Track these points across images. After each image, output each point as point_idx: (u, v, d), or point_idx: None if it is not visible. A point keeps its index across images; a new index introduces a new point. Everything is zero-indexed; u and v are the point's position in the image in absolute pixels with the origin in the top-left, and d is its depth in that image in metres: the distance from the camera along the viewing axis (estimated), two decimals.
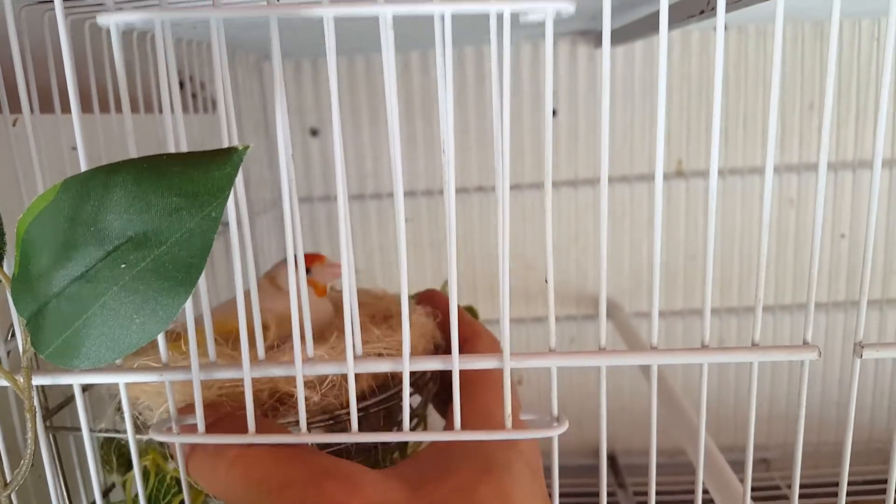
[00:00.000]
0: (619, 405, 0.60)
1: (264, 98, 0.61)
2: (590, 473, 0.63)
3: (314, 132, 0.64)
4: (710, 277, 0.23)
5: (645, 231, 0.63)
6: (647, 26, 0.49)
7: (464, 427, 0.23)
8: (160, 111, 0.49)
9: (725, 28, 0.61)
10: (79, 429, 0.26)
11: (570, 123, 0.63)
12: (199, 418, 0.24)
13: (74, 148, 0.37)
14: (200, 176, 0.18)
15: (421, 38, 0.55)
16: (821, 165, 0.22)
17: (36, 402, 0.23)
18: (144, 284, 0.19)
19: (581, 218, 0.63)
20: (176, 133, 0.21)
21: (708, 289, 0.23)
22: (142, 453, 0.29)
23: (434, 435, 0.24)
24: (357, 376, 0.24)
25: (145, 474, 0.28)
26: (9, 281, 0.21)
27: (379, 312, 0.33)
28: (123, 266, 0.19)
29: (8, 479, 0.25)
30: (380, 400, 0.27)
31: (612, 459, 0.66)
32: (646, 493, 0.24)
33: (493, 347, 0.29)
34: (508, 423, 0.23)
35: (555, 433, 0.23)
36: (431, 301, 0.33)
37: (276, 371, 0.23)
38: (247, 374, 0.23)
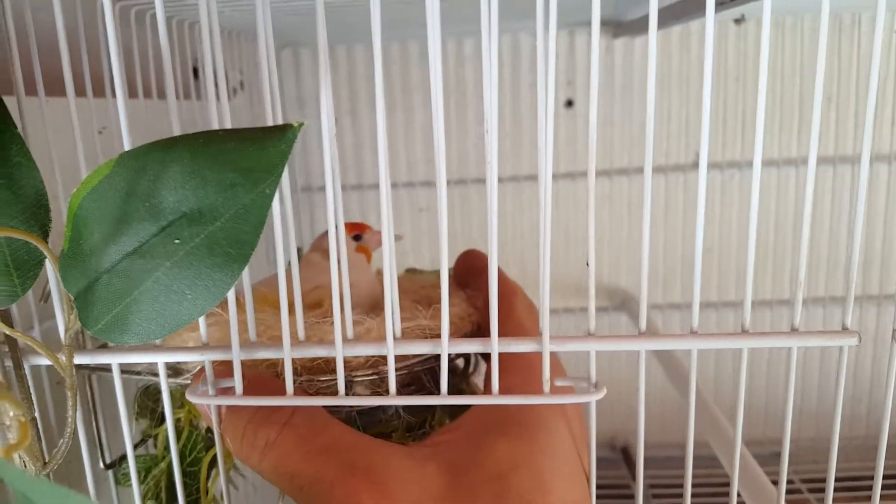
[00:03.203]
0: (632, 397, 0.61)
1: (298, 84, 0.61)
2: (605, 466, 0.63)
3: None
4: (751, 266, 0.23)
5: (661, 223, 0.63)
6: (671, 15, 0.49)
7: (504, 388, 0.23)
8: (198, 98, 0.49)
9: (744, 20, 0.61)
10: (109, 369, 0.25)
11: (587, 114, 0.62)
12: (237, 381, 0.23)
13: (101, 131, 0.38)
14: (255, 152, 0.18)
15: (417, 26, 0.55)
16: (862, 161, 0.22)
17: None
18: (197, 260, 0.19)
19: (596, 209, 0.63)
20: (221, 117, 0.21)
21: (749, 277, 0.23)
22: (179, 405, 0.29)
23: (475, 399, 0.24)
24: (407, 329, 0.24)
25: (177, 430, 0.28)
26: (54, 257, 0.21)
27: (423, 299, 0.33)
28: (177, 242, 0.19)
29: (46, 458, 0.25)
30: (425, 359, 0.27)
31: (625, 452, 0.66)
32: (660, 486, 0.24)
33: (531, 307, 0.29)
34: (546, 387, 0.23)
35: (593, 398, 0.23)
36: (471, 260, 0.32)
37: (318, 351, 0.23)
38: (287, 355, 0.23)
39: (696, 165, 0.63)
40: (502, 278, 0.30)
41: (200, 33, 0.47)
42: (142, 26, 0.40)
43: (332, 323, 0.22)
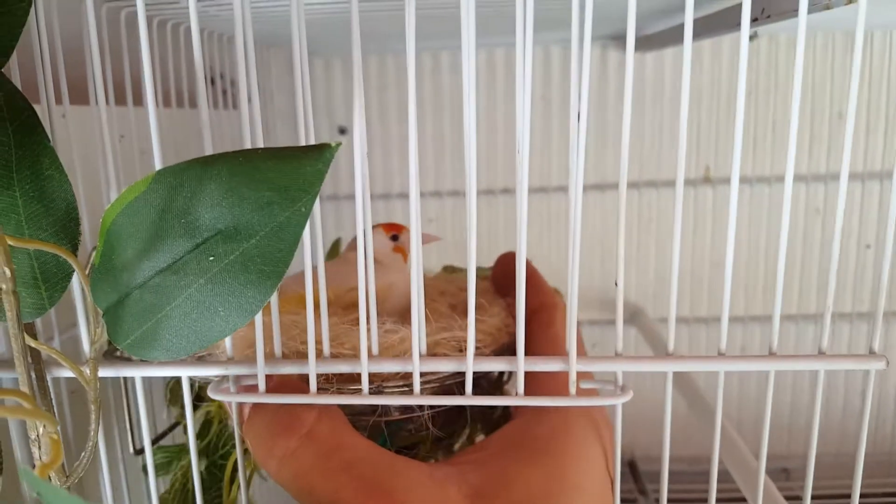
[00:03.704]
0: (639, 410, 0.61)
1: (293, 94, 0.61)
2: None
3: (342, 130, 0.64)
4: (780, 283, 0.23)
5: (687, 237, 0.63)
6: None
7: (529, 391, 0.23)
8: (214, 106, 0.49)
9: (756, 36, 0.61)
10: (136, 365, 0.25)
11: (599, 128, 0.63)
12: (260, 380, 0.23)
13: (121, 139, 0.38)
14: (292, 171, 0.18)
15: (446, 37, 0.55)
16: (894, 178, 0.22)
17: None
18: (231, 277, 0.19)
19: (607, 222, 0.63)
20: (253, 129, 0.21)
21: (778, 296, 0.23)
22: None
23: (501, 400, 0.24)
24: (436, 342, 0.24)
25: (207, 422, 0.28)
26: (83, 270, 0.21)
27: (461, 304, 0.32)
28: (212, 259, 0.19)
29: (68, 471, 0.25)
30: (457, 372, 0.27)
31: (631, 465, 0.66)
32: (668, 501, 0.24)
33: (546, 285, 0.29)
34: (572, 388, 0.23)
35: (619, 401, 0.23)
36: (511, 265, 0.31)
37: (342, 367, 0.23)
38: (312, 370, 0.23)
39: (706, 180, 0.63)
40: (545, 290, 0.30)
41: (223, 43, 0.48)
42: (161, 34, 0.40)
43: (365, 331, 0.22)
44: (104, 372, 0.24)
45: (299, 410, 0.23)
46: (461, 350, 0.25)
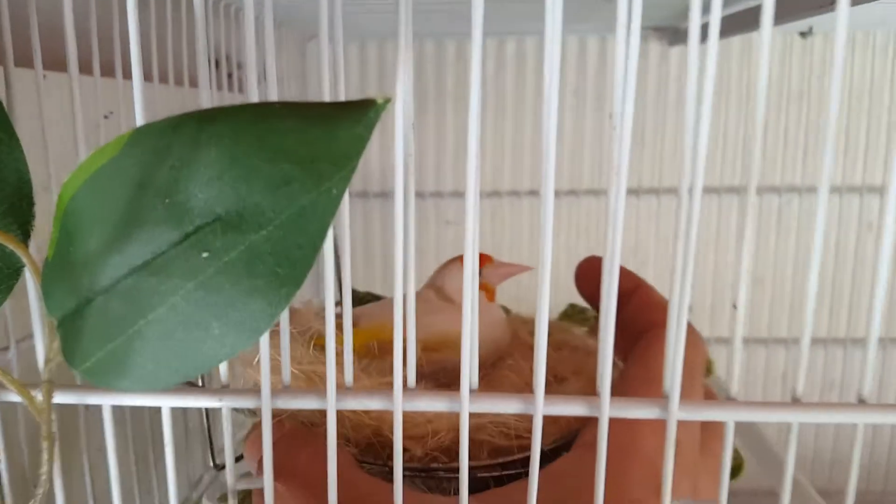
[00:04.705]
0: None
1: (305, 78, 0.56)
2: None
3: None
4: (877, 323, 0.18)
5: (711, 248, 0.58)
6: (734, 25, 0.44)
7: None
8: (218, 87, 0.44)
9: (811, 33, 0.56)
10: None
11: (636, 126, 0.57)
12: (265, 455, 0.18)
13: (108, 116, 0.32)
14: (322, 136, 0.13)
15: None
16: None
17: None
18: (232, 282, 0.13)
19: (642, 229, 0.58)
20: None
21: (873, 337, 0.18)
22: None
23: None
24: (479, 426, 0.19)
25: None
26: (35, 265, 0.16)
27: (553, 344, 0.27)
28: (205, 255, 0.13)
29: None
30: (504, 463, 0.22)
31: None
32: None
33: (663, 302, 0.23)
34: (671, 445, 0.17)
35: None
36: (596, 273, 0.25)
37: (371, 403, 0.18)
38: (331, 405, 0.18)
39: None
40: (660, 304, 0.23)
41: (230, 16, 0.42)
42: (162, 7, 0.35)
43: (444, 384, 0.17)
44: (62, 397, 0.19)
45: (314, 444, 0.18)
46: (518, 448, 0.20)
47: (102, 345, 0.14)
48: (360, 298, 0.38)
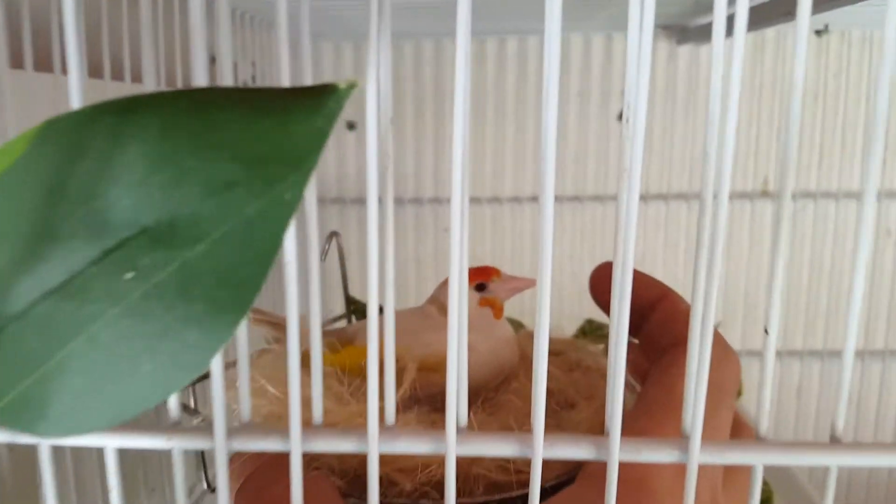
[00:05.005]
0: None
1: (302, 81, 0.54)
2: None
3: (351, 126, 0.57)
4: None
5: (726, 254, 0.55)
6: (753, 20, 0.42)
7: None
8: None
9: (827, 31, 0.54)
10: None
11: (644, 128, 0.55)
12: (220, 496, 0.16)
13: None
14: (273, 130, 0.11)
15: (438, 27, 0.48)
16: None
17: None
18: (164, 307, 0.11)
19: (649, 236, 0.56)
20: None
21: None
22: None
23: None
24: (475, 459, 0.16)
25: None
26: None
27: (564, 364, 0.25)
28: (130, 276, 0.11)
29: None
30: (501, 500, 0.19)
31: None
32: None
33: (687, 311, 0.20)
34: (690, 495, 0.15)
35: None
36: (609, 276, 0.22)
37: (343, 445, 0.16)
38: (296, 447, 0.15)
39: (764, 193, 0.55)
40: (648, 282, 0.21)
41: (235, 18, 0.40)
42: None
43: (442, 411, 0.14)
44: None
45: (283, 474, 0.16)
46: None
47: (16, 382, 0.12)
48: (362, 310, 0.35)
